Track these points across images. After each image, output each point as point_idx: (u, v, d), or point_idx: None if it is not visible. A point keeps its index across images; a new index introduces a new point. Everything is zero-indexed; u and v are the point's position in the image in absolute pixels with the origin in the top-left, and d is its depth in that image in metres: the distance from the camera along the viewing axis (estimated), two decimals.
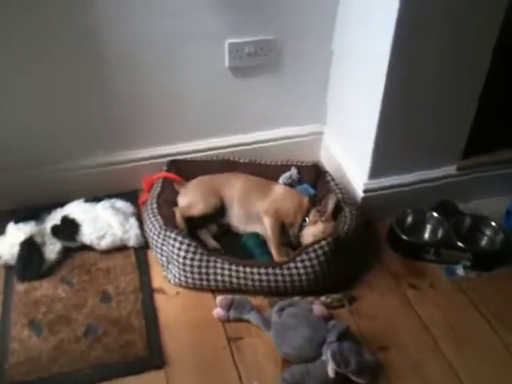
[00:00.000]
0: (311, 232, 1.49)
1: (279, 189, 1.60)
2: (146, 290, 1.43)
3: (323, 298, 1.41)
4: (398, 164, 1.63)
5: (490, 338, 1.37)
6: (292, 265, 1.37)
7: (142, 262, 1.52)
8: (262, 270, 1.37)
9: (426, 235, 1.66)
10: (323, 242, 1.38)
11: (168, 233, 1.41)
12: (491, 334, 1.37)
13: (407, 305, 1.45)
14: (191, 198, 1.56)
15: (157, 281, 1.47)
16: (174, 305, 1.41)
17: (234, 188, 1.58)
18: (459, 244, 1.54)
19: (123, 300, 1.40)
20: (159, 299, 1.42)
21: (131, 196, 1.72)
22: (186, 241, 1.39)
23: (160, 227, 1.44)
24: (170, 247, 1.40)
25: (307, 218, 1.53)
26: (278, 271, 1.37)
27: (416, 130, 1.57)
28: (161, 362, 1.26)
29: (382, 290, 1.49)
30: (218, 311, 1.37)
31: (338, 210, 1.53)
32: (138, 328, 1.33)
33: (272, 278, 1.37)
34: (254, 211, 1.55)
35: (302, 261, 1.37)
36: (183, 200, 1.57)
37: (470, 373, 1.27)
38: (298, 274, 1.37)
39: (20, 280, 1.43)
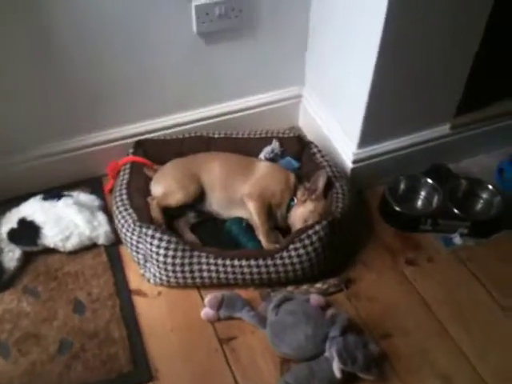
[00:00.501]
0: (300, 212, 1.36)
1: (262, 166, 1.44)
2: (124, 294, 1.29)
3: (319, 285, 1.31)
4: (390, 128, 1.49)
5: (496, 314, 1.29)
6: (285, 254, 1.25)
7: (115, 260, 1.37)
8: (253, 262, 1.24)
9: (420, 203, 1.56)
10: (318, 227, 1.25)
11: (144, 229, 1.24)
12: (497, 310, 1.30)
13: (407, 283, 1.36)
14: (166, 186, 1.39)
15: (134, 281, 1.33)
16: (157, 307, 1.28)
17: (212, 171, 1.41)
18: (456, 212, 1.45)
19: (98, 308, 1.25)
20: (139, 303, 1.28)
21: (95, 183, 1.55)
22: (165, 237, 1.23)
23: (134, 223, 1.27)
24: (148, 245, 1.24)
25: (295, 198, 1.39)
26: (269, 262, 1.24)
27: (410, 90, 1.42)
28: (149, 375, 1.15)
29: (378, 269, 1.39)
30: (206, 311, 1.24)
31: (328, 186, 1.39)
32: (119, 339, 1.20)
33: (264, 269, 1.25)
34: (236, 195, 1.39)
35: (296, 249, 1.24)
36: (157, 189, 1.40)
37: (480, 357, 1.20)
38: (292, 264, 1.25)
39: None
